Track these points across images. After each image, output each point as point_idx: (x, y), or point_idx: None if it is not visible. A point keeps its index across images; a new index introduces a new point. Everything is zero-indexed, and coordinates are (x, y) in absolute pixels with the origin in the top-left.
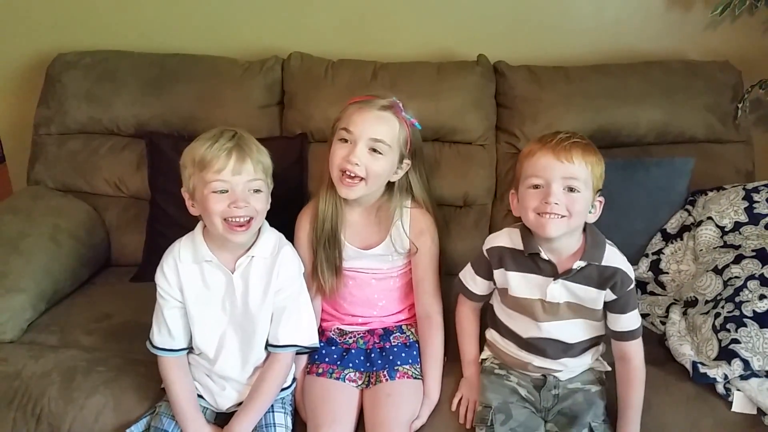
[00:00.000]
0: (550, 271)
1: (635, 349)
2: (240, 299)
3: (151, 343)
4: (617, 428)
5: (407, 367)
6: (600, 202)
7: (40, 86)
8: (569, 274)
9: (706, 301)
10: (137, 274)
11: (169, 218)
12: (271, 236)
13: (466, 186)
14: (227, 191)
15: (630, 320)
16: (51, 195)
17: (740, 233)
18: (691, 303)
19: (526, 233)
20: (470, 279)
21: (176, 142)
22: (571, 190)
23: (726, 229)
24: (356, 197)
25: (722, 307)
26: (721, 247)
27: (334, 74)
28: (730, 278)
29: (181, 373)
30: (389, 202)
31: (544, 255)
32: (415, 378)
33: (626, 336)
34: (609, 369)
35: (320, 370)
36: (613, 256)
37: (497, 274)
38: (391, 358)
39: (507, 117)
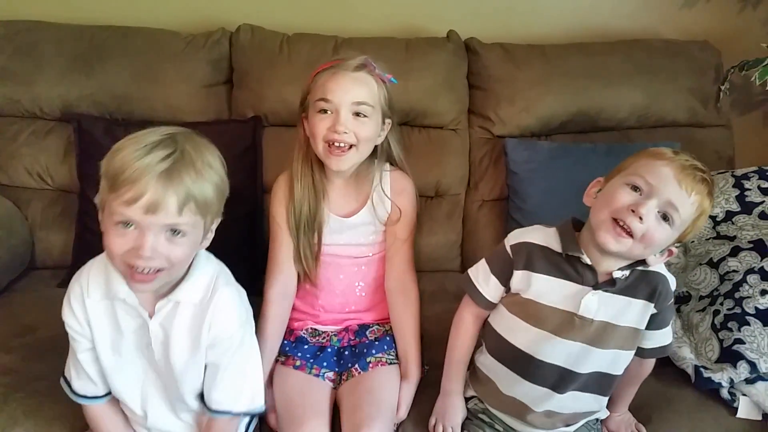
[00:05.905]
0: (591, 279)
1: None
2: (160, 351)
3: (69, 387)
4: (612, 406)
5: (381, 354)
6: (670, 252)
7: None
8: (613, 285)
9: (701, 297)
10: (66, 278)
11: None
12: (204, 275)
13: (438, 174)
14: (134, 227)
15: (665, 335)
16: None
17: (733, 223)
18: (684, 299)
19: (567, 233)
20: (483, 279)
21: (109, 125)
22: (665, 218)
23: (718, 219)
24: (349, 167)
25: (721, 304)
26: (715, 238)
27: (290, 50)
28: (728, 272)
29: (118, 420)
30: (370, 165)
31: (585, 259)
32: (390, 363)
33: (657, 352)
34: (608, 414)
35: (297, 363)
36: (656, 261)
37: (518, 276)
38: (364, 351)
39: (480, 99)
